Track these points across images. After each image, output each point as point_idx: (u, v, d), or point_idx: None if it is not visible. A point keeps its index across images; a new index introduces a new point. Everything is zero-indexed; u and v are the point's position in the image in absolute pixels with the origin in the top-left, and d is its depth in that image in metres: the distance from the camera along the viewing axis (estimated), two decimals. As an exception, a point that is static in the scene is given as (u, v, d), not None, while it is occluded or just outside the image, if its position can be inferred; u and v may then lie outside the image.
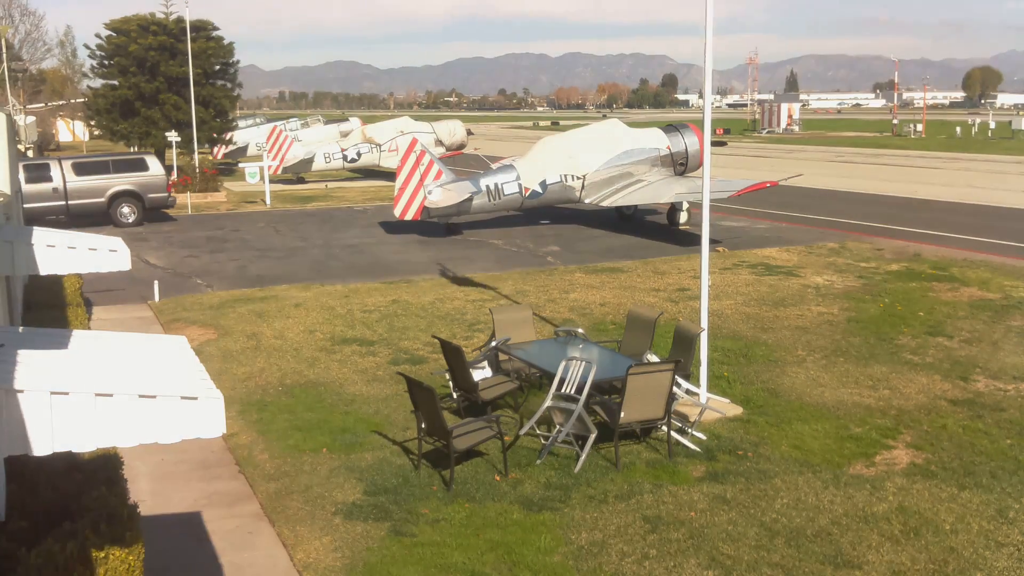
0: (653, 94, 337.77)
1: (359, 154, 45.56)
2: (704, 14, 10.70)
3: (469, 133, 52.94)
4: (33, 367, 4.94)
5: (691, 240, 24.61)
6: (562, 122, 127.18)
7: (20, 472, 6.93)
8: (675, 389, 10.20)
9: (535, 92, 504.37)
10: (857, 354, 13.74)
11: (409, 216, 26.01)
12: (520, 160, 27.80)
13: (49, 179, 28.22)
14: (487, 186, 26.39)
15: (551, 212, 29.70)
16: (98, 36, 43.84)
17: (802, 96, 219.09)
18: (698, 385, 11.32)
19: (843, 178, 43.49)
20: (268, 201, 35.57)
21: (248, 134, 55.11)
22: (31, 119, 44.94)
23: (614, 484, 9.25)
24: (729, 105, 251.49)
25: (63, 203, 28.46)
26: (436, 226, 27.33)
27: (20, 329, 6.70)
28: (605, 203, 26.69)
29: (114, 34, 43.29)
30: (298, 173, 44.53)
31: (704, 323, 11.49)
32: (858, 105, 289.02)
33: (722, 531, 8.26)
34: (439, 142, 47.01)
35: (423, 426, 9.66)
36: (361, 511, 8.78)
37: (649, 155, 28.16)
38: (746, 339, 14.61)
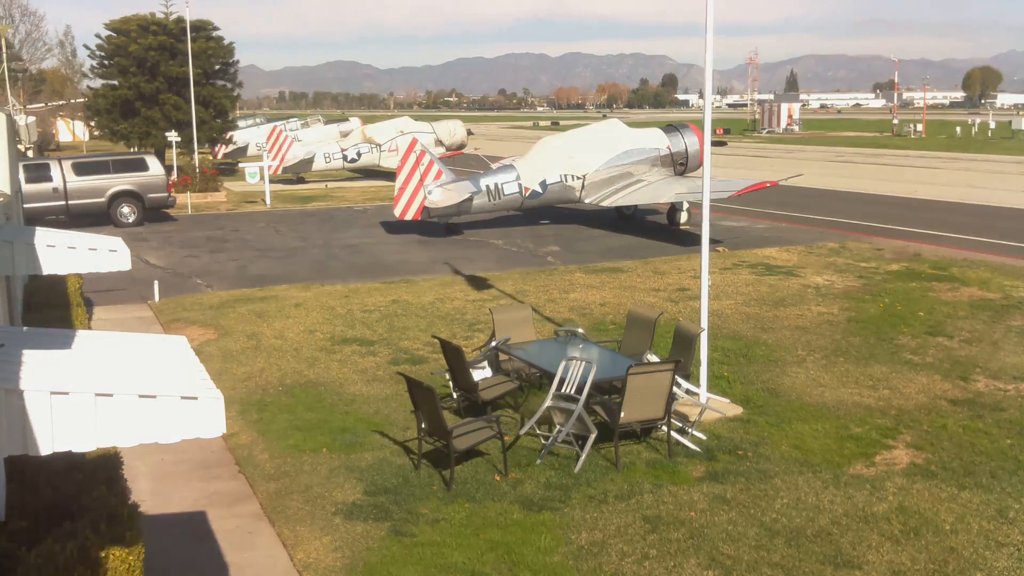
0: (653, 94, 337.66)
1: (359, 154, 45.56)
2: (704, 14, 10.71)
3: (469, 133, 52.93)
4: (33, 367, 4.94)
5: (691, 240, 24.62)
6: (562, 122, 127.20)
7: (20, 472, 6.93)
8: (675, 389, 10.20)
9: (535, 92, 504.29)
10: (857, 354, 13.74)
11: (409, 216, 26.01)
12: (520, 160, 27.80)
13: (49, 179, 28.22)
14: (487, 186, 26.39)
15: (551, 212, 29.70)
16: (98, 36, 43.87)
17: (802, 96, 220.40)
18: (698, 385, 11.32)
19: (843, 178, 43.50)
20: (268, 201, 35.58)
21: (248, 134, 55.08)
22: (31, 119, 44.90)
23: (614, 484, 9.25)
24: (729, 105, 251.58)
25: (63, 203, 28.46)
26: (436, 226, 27.33)
27: (20, 329, 6.70)
28: (605, 203, 26.69)
29: (114, 34, 43.30)
30: (298, 173, 44.53)
31: (704, 323, 11.49)
32: (858, 105, 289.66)
33: (722, 531, 8.26)
34: (439, 142, 47.01)
35: (423, 426, 9.66)
36: (361, 511, 8.78)
37: (649, 155, 28.17)
38: (746, 339, 14.61)
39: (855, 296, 17.72)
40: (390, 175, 37.88)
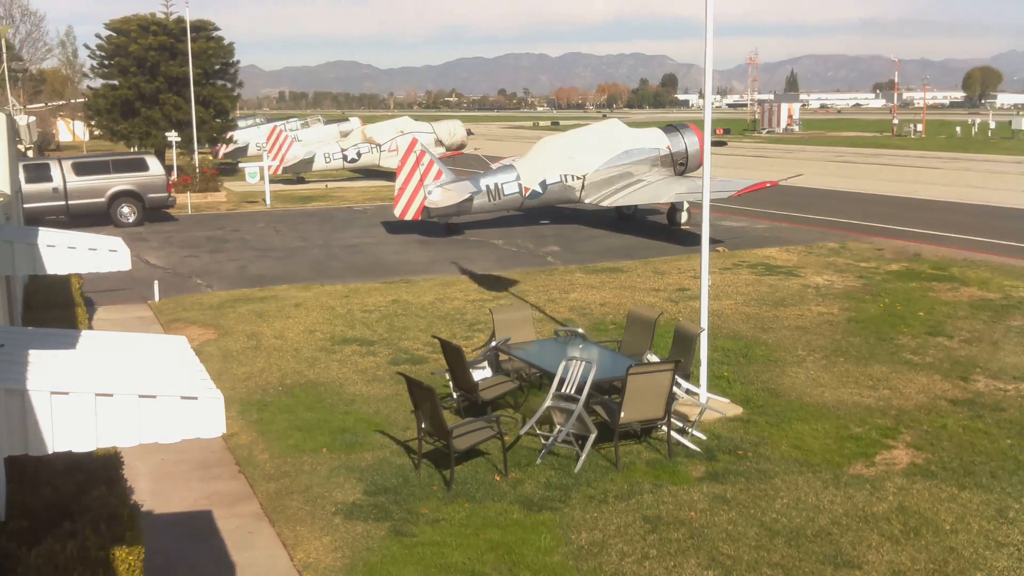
0: (653, 94, 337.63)
1: (359, 154, 45.56)
2: (704, 14, 10.71)
3: (469, 133, 52.94)
4: (33, 367, 4.94)
5: (691, 240, 24.62)
6: (562, 122, 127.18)
7: (20, 472, 6.93)
8: (675, 389, 10.20)
9: (535, 92, 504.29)
10: (857, 354, 13.74)
11: (409, 216, 26.01)
12: (520, 160, 27.80)
13: (49, 179, 28.22)
14: (487, 186, 26.39)
15: (551, 212, 29.70)
16: (98, 36, 43.92)
17: (802, 96, 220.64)
18: (698, 385, 11.32)
19: (843, 178, 43.50)
20: (268, 201, 35.58)
21: (248, 134, 55.09)
22: (31, 119, 44.87)
23: (614, 484, 9.25)
24: (729, 105, 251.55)
25: (63, 203, 28.47)
26: (436, 226, 27.34)
27: (21, 329, 6.70)
28: (605, 203, 26.69)
29: (114, 34, 43.34)
30: (298, 173, 44.53)
31: (704, 323, 11.50)
32: (858, 105, 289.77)
33: (722, 531, 8.26)
34: (439, 142, 47.01)
35: (423, 426, 9.66)
36: (361, 511, 8.79)
37: (649, 155, 28.16)
38: (746, 339, 14.62)
39: (855, 296, 17.73)
40: (390, 175, 37.88)
